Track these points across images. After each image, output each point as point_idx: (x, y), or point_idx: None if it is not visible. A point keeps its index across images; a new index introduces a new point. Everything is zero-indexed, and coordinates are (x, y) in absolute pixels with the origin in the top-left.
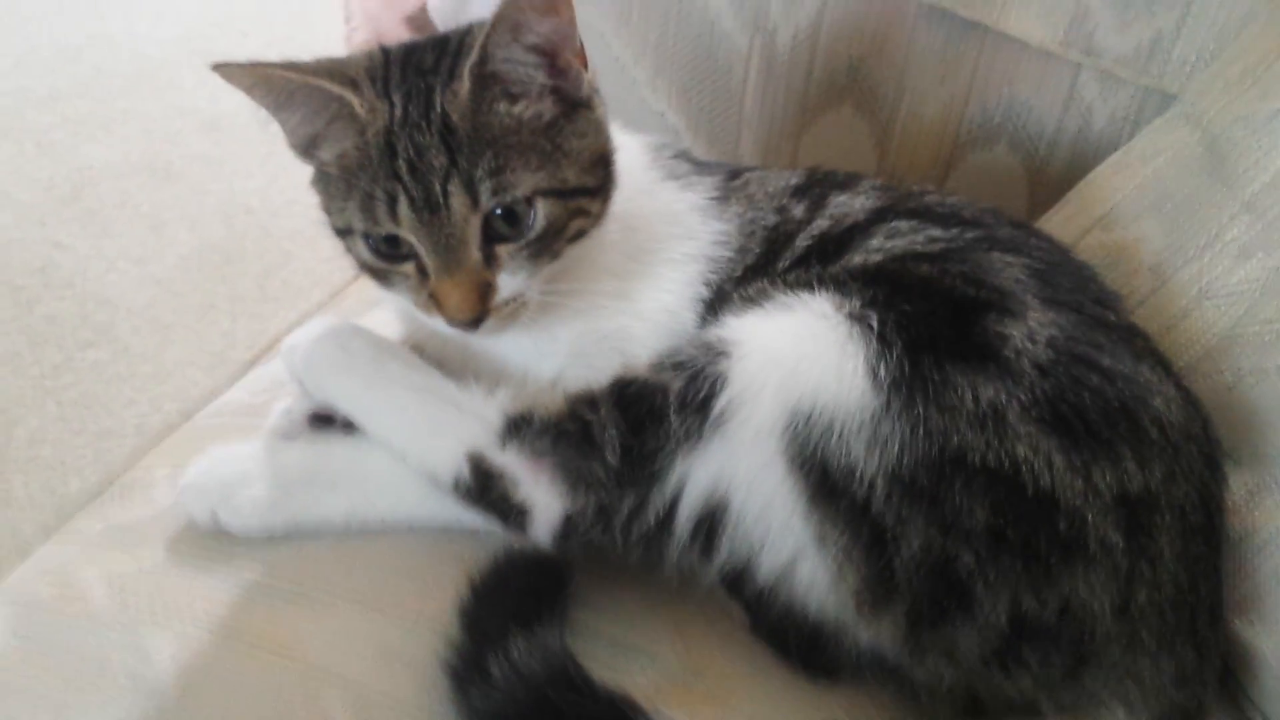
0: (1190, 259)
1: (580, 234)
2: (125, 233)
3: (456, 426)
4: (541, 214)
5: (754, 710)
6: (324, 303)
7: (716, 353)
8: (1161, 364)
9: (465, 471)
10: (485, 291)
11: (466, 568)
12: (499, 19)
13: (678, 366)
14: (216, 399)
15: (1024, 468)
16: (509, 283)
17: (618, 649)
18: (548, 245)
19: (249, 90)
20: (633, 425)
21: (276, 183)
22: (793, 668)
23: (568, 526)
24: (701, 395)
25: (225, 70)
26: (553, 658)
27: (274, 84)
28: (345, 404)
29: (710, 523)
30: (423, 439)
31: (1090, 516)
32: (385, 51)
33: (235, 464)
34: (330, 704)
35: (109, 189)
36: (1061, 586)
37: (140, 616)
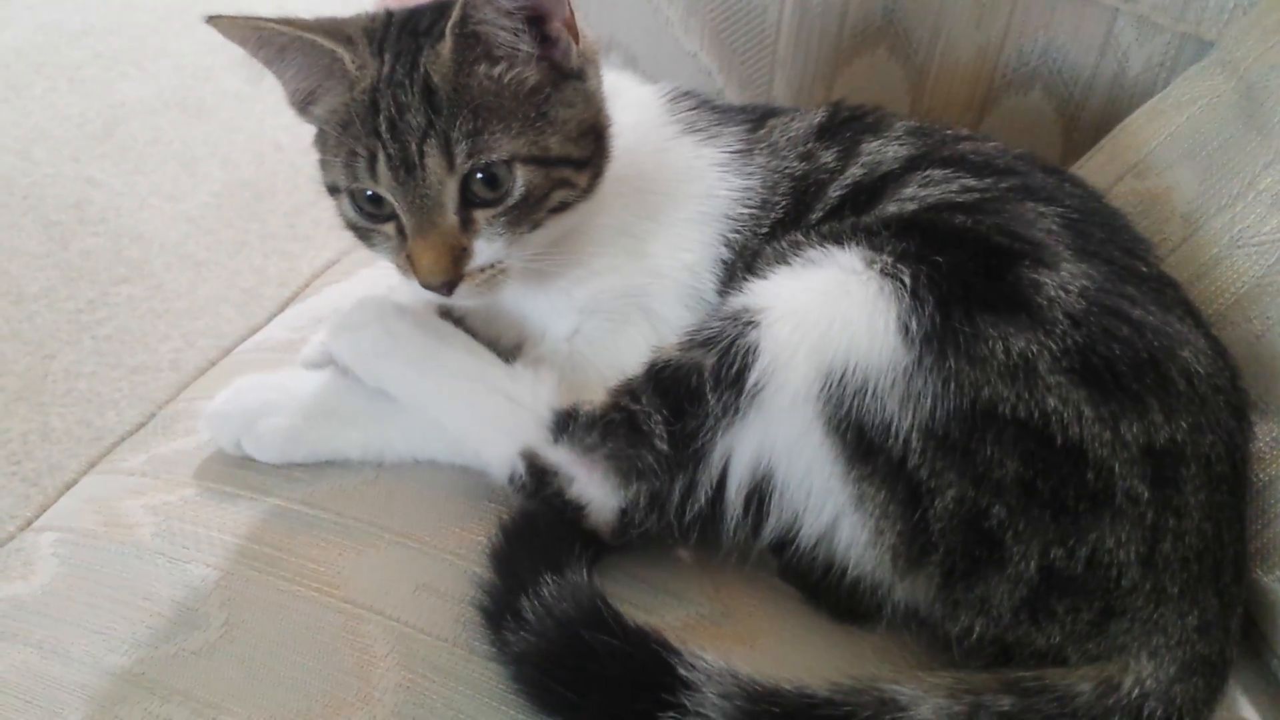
0: (1223, 207)
1: (564, 205)
2: (157, 169)
3: (509, 421)
4: (520, 181)
5: (781, 650)
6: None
7: (744, 323)
8: (1191, 314)
9: (520, 469)
10: (459, 256)
11: (501, 503)
12: None
13: (708, 343)
14: (255, 334)
15: (1053, 419)
16: (485, 249)
17: (647, 589)
18: (527, 214)
19: (243, 44)
20: (674, 409)
21: None
22: (820, 611)
23: (624, 520)
24: (735, 370)
25: (219, 23)
26: (583, 598)
27: (268, 38)
28: (398, 391)
29: (759, 494)
30: (477, 434)
31: (1117, 468)
32: (389, 13)
33: (259, 393)
34: (370, 638)
35: (141, 125)
36: (1089, 537)
37: (185, 548)
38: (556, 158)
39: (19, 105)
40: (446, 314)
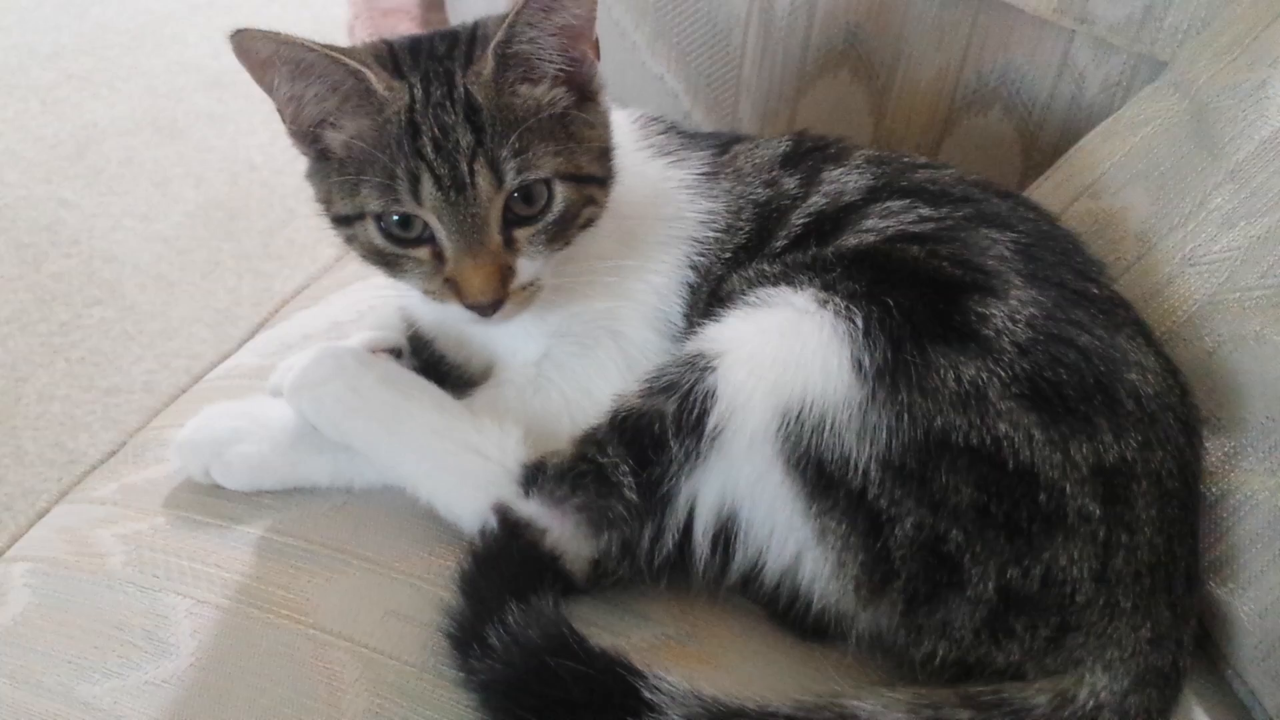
0: (1175, 226)
1: (589, 222)
2: (130, 190)
3: (479, 477)
4: (560, 197)
5: (746, 669)
6: (329, 265)
7: (701, 369)
8: (1142, 333)
9: (493, 523)
10: (506, 275)
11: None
12: None
13: (668, 389)
14: (226, 361)
15: (1005, 444)
16: (527, 267)
17: (613, 610)
18: (562, 231)
19: (258, 59)
20: (639, 458)
21: (279, 139)
22: (784, 629)
23: (597, 570)
24: (695, 415)
25: (244, 36)
26: (549, 624)
27: (292, 55)
28: (364, 448)
29: (725, 535)
30: (448, 489)
31: (1068, 488)
32: (389, 43)
33: (227, 421)
34: (339, 664)
35: (114, 146)
36: (1043, 556)
37: (156, 576)
38: (586, 175)
39: None
40: (415, 338)
